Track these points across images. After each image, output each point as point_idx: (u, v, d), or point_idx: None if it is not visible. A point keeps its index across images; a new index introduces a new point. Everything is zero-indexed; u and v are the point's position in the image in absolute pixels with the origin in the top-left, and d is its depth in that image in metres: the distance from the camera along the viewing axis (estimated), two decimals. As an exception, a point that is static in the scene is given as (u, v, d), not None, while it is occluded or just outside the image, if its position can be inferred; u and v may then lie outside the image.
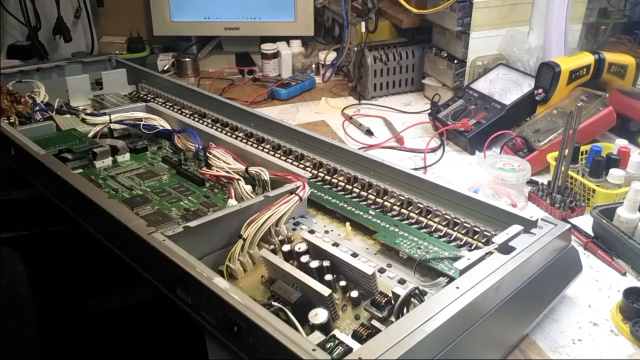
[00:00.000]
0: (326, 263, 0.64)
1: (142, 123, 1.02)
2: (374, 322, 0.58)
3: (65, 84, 1.23)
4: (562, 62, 1.07)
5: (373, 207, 0.81)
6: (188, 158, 0.96)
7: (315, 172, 0.91)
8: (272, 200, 0.73)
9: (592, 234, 0.83)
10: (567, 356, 0.62)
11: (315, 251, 0.66)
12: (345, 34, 1.42)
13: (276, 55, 1.54)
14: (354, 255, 0.71)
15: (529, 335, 0.65)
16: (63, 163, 0.88)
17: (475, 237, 0.72)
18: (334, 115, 1.32)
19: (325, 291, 0.57)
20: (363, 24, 1.35)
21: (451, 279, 0.63)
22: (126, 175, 0.92)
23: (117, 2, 1.71)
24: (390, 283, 0.66)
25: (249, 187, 0.81)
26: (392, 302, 0.58)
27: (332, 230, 0.78)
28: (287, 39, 1.59)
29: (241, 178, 0.83)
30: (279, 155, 0.96)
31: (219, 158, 0.88)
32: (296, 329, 0.53)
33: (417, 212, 0.79)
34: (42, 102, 1.13)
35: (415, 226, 0.77)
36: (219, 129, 1.08)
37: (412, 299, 0.57)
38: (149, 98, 1.27)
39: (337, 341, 0.53)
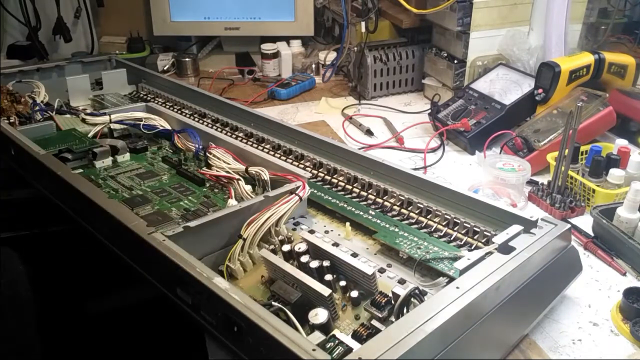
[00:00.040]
0: (326, 263, 0.64)
1: (142, 123, 1.02)
2: (374, 322, 0.58)
3: (65, 84, 1.23)
4: (562, 62, 1.07)
5: (373, 207, 0.81)
6: (188, 158, 0.96)
7: (315, 172, 0.91)
8: (272, 200, 0.73)
9: (592, 234, 0.83)
10: (567, 356, 0.62)
11: (315, 251, 0.66)
12: (345, 34, 1.42)
13: (276, 55, 1.54)
14: (354, 255, 0.71)
15: (529, 335, 0.65)
16: (63, 163, 0.88)
17: (475, 237, 0.72)
18: (334, 115, 1.32)
19: (325, 291, 0.57)
20: (363, 24, 1.35)
21: (451, 279, 0.63)
22: (126, 175, 0.92)
23: (117, 2, 1.71)
24: (390, 283, 0.66)
25: (249, 187, 0.81)
26: (392, 302, 0.58)
27: (332, 230, 0.78)
28: (287, 39, 1.59)
29: (241, 178, 0.83)
30: (279, 155, 0.96)
31: (219, 158, 0.88)
32: (296, 329, 0.53)
33: (417, 212, 0.79)
34: (42, 102, 1.13)
35: (415, 226, 0.77)
36: (219, 129, 1.08)
37: (412, 299, 0.57)
38: (149, 98, 1.27)
39: (337, 341, 0.53)
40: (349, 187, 0.86)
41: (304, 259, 0.65)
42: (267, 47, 1.53)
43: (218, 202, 0.82)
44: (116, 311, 1.03)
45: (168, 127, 1.03)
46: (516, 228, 0.66)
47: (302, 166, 0.92)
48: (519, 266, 0.60)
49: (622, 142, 0.96)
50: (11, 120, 1.05)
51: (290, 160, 0.94)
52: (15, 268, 0.87)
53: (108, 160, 0.95)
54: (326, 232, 0.78)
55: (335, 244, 0.73)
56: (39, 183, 0.91)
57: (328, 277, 0.63)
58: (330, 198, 0.84)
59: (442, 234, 0.74)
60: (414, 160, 1.09)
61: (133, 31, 1.67)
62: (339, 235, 0.77)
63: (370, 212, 0.80)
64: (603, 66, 1.09)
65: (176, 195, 0.85)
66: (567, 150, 0.86)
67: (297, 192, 0.75)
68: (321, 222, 0.80)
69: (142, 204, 0.81)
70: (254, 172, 0.83)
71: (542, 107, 1.09)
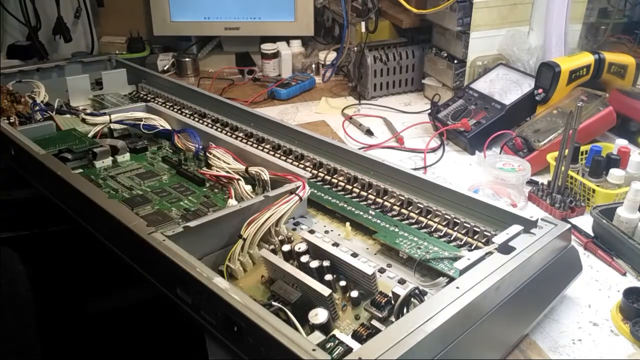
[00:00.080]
0: (326, 263, 0.64)
1: (142, 123, 1.02)
2: (374, 322, 0.58)
3: (65, 84, 1.23)
4: (562, 62, 1.07)
5: (373, 207, 0.81)
6: (188, 158, 0.96)
7: (315, 172, 0.91)
8: (272, 200, 0.73)
9: (592, 234, 0.83)
10: (567, 356, 0.62)
11: (315, 251, 0.66)
12: (345, 34, 1.42)
13: (276, 55, 1.54)
14: (354, 255, 0.71)
15: (529, 335, 0.65)
16: (63, 163, 0.88)
17: (475, 237, 0.72)
18: (334, 115, 1.32)
19: (325, 291, 0.57)
20: (363, 24, 1.35)
21: (451, 279, 0.63)
22: (126, 175, 0.92)
23: (117, 2, 1.71)
24: (390, 283, 0.66)
25: (249, 187, 0.81)
26: (392, 302, 0.58)
27: (332, 230, 0.78)
28: (287, 39, 1.59)
29: (241, 178, 0.83)
30: (279, 155, 0.96)
31: (219, 158, 0.88)
32: (296, 329, 0.53)
33: (417, 212, 0.79)
34: (42, 102, 1.13)
35: (415, 226, 0.77)
36: (219, 129, 1.08)
37: (412, 299, 0.57)
38: (149, 98, 1.27)
39: (337, 341, 0.53)
40: (349, 187, 0.86)
41: (304, 259, 0.65)
42: (267, 47, 1.53)
43: (218, 202, 0.82)
44: (116, 311, 1.03)
45: (168, 127, 1.03)
46: (516, 228, 0.66)
47: (302, 166, 0.92)
48: (519, 266, 0.60)
49: (622, 142, 0.96)
50: (11, 120, 1.05)
51: (290, 160, 0.94)
52: (15, 268, 0.87)
53: (108, 160, 0.95)
54: (326, 232, 0.78)
55: (335, 244, 0.73)
56: (39, 183, 0.91)
57: (328, 277, 0.63)
58: (330, 198, 0.84)
59: (442, 234, 0.74)
60: (414, 160, 1.09)
61: (133, 31, 1.67)
62: (339, 235, 0.77)
63: (370, 212, 0.80)
64: (603, 66, 1.09)
65: (176, 195, 0.85)
66: (567, 150, 0.86)
67: (297, 192, 0.75)
68: (321, 222, 0.80)
69: (142, 204, 0.81)
70: (254, 172, 0.83)
71: (542, 107, 1.09)
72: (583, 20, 1.26)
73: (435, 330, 0.50)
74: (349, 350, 0.52)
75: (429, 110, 1.23)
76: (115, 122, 1.03)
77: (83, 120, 1.03)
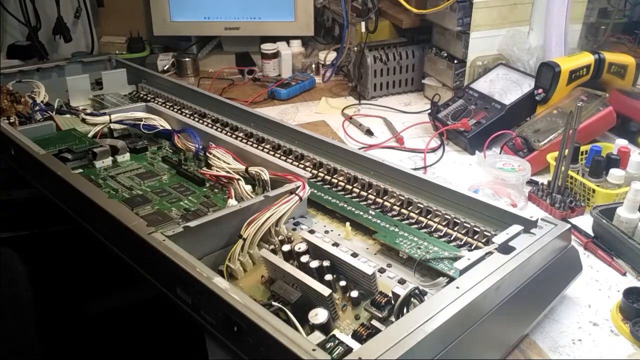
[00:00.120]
0: (326, 263, 0.64)
1: (142, 123, 1.02)
2: (374, 322, 0.58)
3: (65, 84, 1.23)
4: (562, 62, 1.07)
5: (373, 207, 0.81)
6: (188, 158, 0.96)
7: (315, 172, 0.91)
8: (272, 200, 0.73)
9: (592, 234, 0.83)
10: (567, 356, 0.62)
11: (315, 251, 0.66)
12: (345, 34, 1.42)
13: (276, 55, 1.54)
14: (354, 255, 0.71)
15: (529, 335, 0.65)
16: (63, 163, 0.88)
17: (475, 237, 0.72)
18: (334, 115, 1.32)
19: (325, 291, 0.57)
20: (363, 24, 1.35)
21: (451, 279, 0.63)
22: (126, 175, 0.92)
23: (117, 2, 1.71)
24: (390, 283, 0.66)
25: (249, 187, 0.81)
26: (392, 302, 0.58)
27: (332, 230, 0.78)
28: (287, 39, 1.59)
29: (241, 178, 0.83)
30: (279, 155, 0.96)
31: (219, 158, 0.88)
32: (296, 329, 0.53)
33: (417, 212, 0.79)
34: (42, 102, 1.13)
35: (415, 226, 0.77)
36: (219, 129, 1.08)
37: (412, 299, 0.57)
38: (149, 98, 1.27)
39: (337, 341, 0.53)
40: (349, 187, 0.86)
41: (304, 259, 0.65)
42: (267, 47, 1.53)
43: (218, 202, 0.82)
44: (116, 311, 1.03)
45: (168, 127, 1.03)
46: (516, 228, 0.66)
47: (302, 166, 0.92)
48: (519, 266, 0.60)
49: (622, 142, 0.96)
50: (11, 120, 1.05)
51: (290, 160, 0.94)
52: (15, 268, 0.87)
53: (108, 160, 0.95)
54: (326, 232, 0.78)
55: (335, 244, 0.73)
56: (39, 183, 0.91)
57: (328, 277, 0.63)
58: (330, 198, 0.84)
59: (442, 234, 0.74)
60: (414, 160, 1.09)
61: (133, 31, 1.67)
62: (339, 235, 0.77)
63: (370, 212, 0.80)
64: (603, 66, 1.09)
65: (176, 195, 0.85)
66: (567, 150, 0.86)
67: (297, 192, 0.75)
68: (321, 222, 0.80)
69: (142, 204, 0.81)
70: (254, 172, 0.83)
71: (542, 107, 1.09)
72: (583, 20, 1.26)
73: (435, 330, 0.50)
74: (349, 350, 0.52)
75: (429, 110, 1.23)
76: (115, 122, 1.03)
77: (83, 120, 1.03)
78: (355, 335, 0.55)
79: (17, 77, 1.24)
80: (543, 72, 1.08)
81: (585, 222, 0.85)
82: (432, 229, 0.75)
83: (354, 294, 0.61)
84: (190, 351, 0.88)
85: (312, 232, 0.77)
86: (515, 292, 0.60)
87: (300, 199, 0.75)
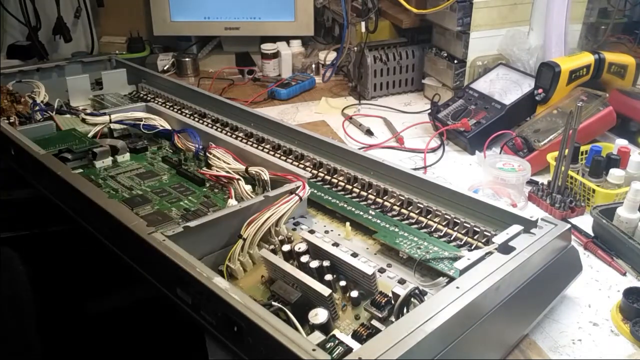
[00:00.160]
0: (326, 263, 0.64)
1: (142, 123, 1.02)
2: (374, 322, 0.58)
3: (65, 84, 1.23)
4: (562, 62, 1.07)
5: (373, 207, 0.81)
6: (188, 158, 0.96)
7: (315, 172, 0.91)
8: (272, 200, 0.73)
9: (592, 234, 0.83)
10: (567, 356, 0.62)
11: (315, 251, 0.66)
12: (345, 34, 1.42)
13: (276, 55, 1.54)
14: (354, 255, 0.71)
15: (529, 335, 0.65)
16: (63, 163, 0.88)
17: (475, 237, 0.72)
18: (334, 115, 1.32)
19: (325, 291, 0.57)
20: (363, 24, 1.35)
21: (451, 279, 0.63)
22: (126, 175, 0.92)
23: (117, 2, 1.71)
24: (390, 283, 0.66)
25: (249, 187, 0.81)
26: (392, 302, 0.58)
27: (332, 230, 0.78)
28: (287, 39, 1.59)
29: (241, 178, 0.83)
30: (279, 155, 0.96)
31: (219, 158, 0.88)
32: (296, 329, 0.53)
33: (417, 212, 0.79)
34: (42, 102, 1.13)
35: (415, 226, 0.77)
36: (219, 129, 1.08)
37: (412, 299, 0.57)
38: (149, 98, 1.27)
39: (337, 341, 0.53)
40: (349, 187, 0.86)
41: (304, 259, 0.65)
42: (267, 47, 1.53)
43: (218, 202, 0.82)
44: (116, 311, 1.03)
45: (168, 127, 1.03)
46: (516, 228, 0.66)
47: (302, 166, 0.92)
48: (519, 266, 0.60)
49: (622, 142, 0.96)
50: (11, 120, 1.05)
51: (290, 160, 0.94)
52: (15, 268, 0.87)
53: (108, 160, 0.95)
54: (326, 232, 0.78)
55: (335, 244, 0.73)
56: (39, 183, 0.91)
57: (328, 277, 0.63)
58: (330, 198, 0.84)
59: (442, 234, 0.74)
60: (414, 160, 1.09)
61: (133, 31, 1.67)
62: (339, 235, 0.77)
63: (370, 212, 0.80)
64: (603, 66, 1.09)
65: (176, 195, 0.85)
66: (567, 150, 0.86)
67: (297, 192, 0.75)
68: (321, 222, 0.80)
69: (142, 204, 0.81)
70: (254, 172, 0.83)
71: (542, 107, 1.09)
72: (583, 20, 1.26)
73: (435, 330, 0.50)
74: (349, 350, 0.52)
75: (429, 110, 1.23)
76: (115, 122, 1.03)
77: (83, 120, 1.03)
78: (355, 335, 0.55)
79: (17, 77, 1.24)
80: (543, 72, 1.08)
81: (585, 222, 0.85)
82: (432, 229, 0.75)
83: (354, 294, 0.61)
84: (190, 351, 0.88)
85: (312, 232, 0.77)
86: (515, 292, 0.60)
87: (300, 199, 0.75)
